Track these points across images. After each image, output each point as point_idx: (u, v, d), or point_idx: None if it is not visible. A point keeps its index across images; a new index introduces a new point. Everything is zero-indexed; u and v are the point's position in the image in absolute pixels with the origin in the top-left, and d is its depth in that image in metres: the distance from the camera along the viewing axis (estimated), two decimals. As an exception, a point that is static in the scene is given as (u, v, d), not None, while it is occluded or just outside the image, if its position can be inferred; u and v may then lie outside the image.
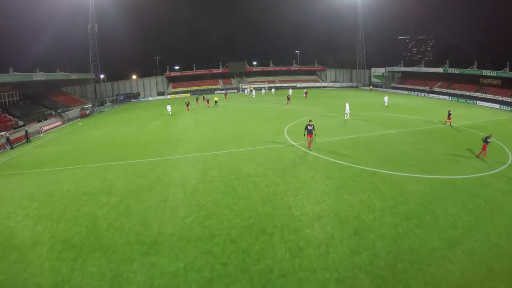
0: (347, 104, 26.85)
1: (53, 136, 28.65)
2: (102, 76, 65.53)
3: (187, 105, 38.25)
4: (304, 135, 17.01)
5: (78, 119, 41.27)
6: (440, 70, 56.60)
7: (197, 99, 47.95)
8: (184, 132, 24.31)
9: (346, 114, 26.70)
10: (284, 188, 12.01)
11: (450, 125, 23.65)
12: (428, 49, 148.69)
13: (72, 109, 45.74)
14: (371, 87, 65.27)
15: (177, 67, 70.15)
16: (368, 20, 71.17)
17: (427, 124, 24.86)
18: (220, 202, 11.11)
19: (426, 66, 66.15)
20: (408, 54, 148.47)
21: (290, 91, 51.93)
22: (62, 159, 18.83)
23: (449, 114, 24.00)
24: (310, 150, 16.96)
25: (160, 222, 10.15)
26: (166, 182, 13.60)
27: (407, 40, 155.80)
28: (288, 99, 40.59)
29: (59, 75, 48.07)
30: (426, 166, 14.51)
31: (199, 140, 20.92)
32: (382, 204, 10.78)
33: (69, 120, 40.94)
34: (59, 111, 42.98)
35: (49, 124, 35.12)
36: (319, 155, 15.95)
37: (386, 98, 35.41)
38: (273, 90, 60.10)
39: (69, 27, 63.10)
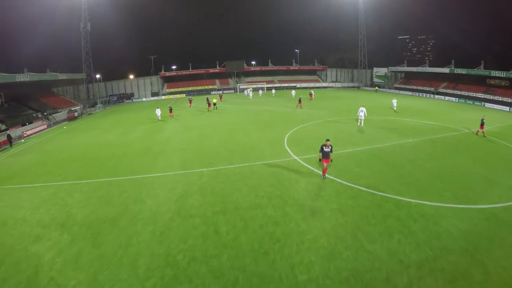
0: (362, 108, 23.14)
1: (33, 142, 25.56)
2: (98, 76, 62.78)
3: (170, 110, 32.07)
4: (319, 160, 12.50)
5: (65, 122, 38.10)
6: (446, 70, 53.50)
7: (190, 101, 42.69)
8: (170, 140, 21.02)
9: (360, 121, 23.02)
10: (284, 230, 8.83)
11: (484, 136, 20.26)
12: (428, 48, 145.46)
13: (60, 111, 42.60)
14: (376, 87, 61.75)
15: (174, 67, 66.95)
16: (370, 18, 67.94)
17: (444, 130, 21.76)
18: (196, 253, 7.94)
19: (426, 66, 63.15)
20: (408, 54, 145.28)
21: (293, 92, 48.11)
22: (30, 173, 15.85)
23: (483, 123, 20.42)
24: (324, 178, 12.59)
25: (113, 282, 7.11)
26: (134, 213, 10.48)
27: (407, 40, 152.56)
28: (300, 101, 34.74)
29: (46, 76, 44.78)
30: (458, 191, 11.42)
31: (184, 152, 17.66)
32: (417, 255, 7.69)
33: (56, 123, 37.75)
34: (45, 113, 39.83)
35: (33, 128, 31.95)
36: (328, 176, 12.81)
37: (394, 102, 32.04)
38: (273, 91, 55.88)
39: (64, 25, 59.82)
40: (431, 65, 61.25)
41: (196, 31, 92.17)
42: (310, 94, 44.51)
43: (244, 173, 13.57)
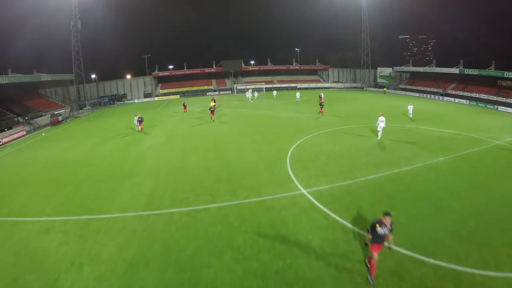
0: (382, 119, 18.28)
1: (5, 152, 21.72)
2: (93, 76, 58.74)
3: (140, 122, 24.19)
4: (365, 243, 6.90)
5: (48, 128, 34.12)
6: (455, 70, 49.43)
7: (185, 106, 34.31)
8: (145, 157, 16.78)
9: (378, 132, 18.51)
10: None
11: None
12: (429, 48, 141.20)
13: (45, 115, 38.61)
14: (384, 89, 56.12)
15: (171, 66, 62.73)
16: (373, 16, 63.68)
17: (472, 143, 17.76)
18: None
19: (420, 65, 59.27)
20: (409, 53, 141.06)
21: (298, 95, 42.69)
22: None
23: None
24: (372, 282, 6.56)
25: None
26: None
27: (407, 40, 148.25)
28: (322, 106, 28.01)
29: (27, 77, 40.66)
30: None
31: (157, 177, 13.50)
32: None
33: (37, 128, 33.81)
34: (26, 118, 35.82)
35: (11, 135, 27.98)
36: (344, 222, 8.81)
37: (410, 108, 26.39)
38: (274, 92, 49.49)
39: (56, 24, 55.56)
40: (436, 65, 57.38)
41: (192, 29, 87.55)
42: (320, 97, 37.02)
43: (229, 218, 9.41)
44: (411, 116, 25.91)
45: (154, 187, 12.27)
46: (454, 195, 10.89)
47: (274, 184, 11.90)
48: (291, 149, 16.66)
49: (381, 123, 18.04)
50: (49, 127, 34.32)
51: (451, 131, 21.25)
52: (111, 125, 29.81)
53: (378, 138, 18.53)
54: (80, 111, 46.41)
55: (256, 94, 47.12)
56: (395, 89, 56.64)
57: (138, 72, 62.29)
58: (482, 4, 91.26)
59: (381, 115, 18.51)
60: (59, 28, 55.53)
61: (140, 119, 24.32)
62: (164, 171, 14.15)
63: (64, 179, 14.24)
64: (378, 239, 6.43)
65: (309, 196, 10.60)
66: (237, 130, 22.80)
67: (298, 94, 42.90)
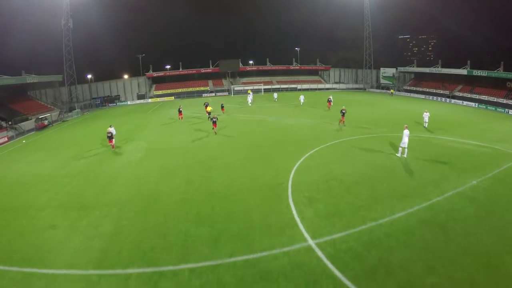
0: (407, 132, 14.86)
1: None
2: (89, 76, 55.73)
3: (110, 139, 18.97)
4: None
5: (32, 133, 31.16)
6: (462, 72, 46.45)
7: (180, 113, 29.13)
8: (115, 180, 13.59)
9: (402, 150, 15.12)
10: None
11: None
12: (430, 48, 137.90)
13: (31, 119, 35.61)
14: (392, 91, 52.15)
15: (168, 66, 59.59)
16: (374, 14, 60.49)
17: (502, 159, 14.74)
18: None
19: (421, 66, 56.24)
20: (409, 54, 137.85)
21: (302, 98, 37.64)
22: None
23: None
24: None
25: None
26: None
27: (408, 40, 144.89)
28: (343, 114, 23.22)
29: (10, 80, 37.43)
30: None
31: (121, 210, 10.42)
32: None
33: (22, 133, 30.78)
34: (10, 122, 32.82)
35: None
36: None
37: (426, 116, 22.68)
38: (275, 95, 43.52)
39: (46, 23, 52.36)
40: (424, 65, 54.32)
41: (189, 28, 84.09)
42: (329, 101, 32.47)
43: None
44: (426, 126, 22.51)
45: (115, 228, 9.25)
46: (503, 241, 8.00)
47: (271, 230, 8.76)
48: (294, 170, 13.51)
49: (406, 137, 14.73)
50: (33, 132, 31.35)
51: (472, 142, 18.35)
52: (94, 132, 26.78)
53: (398, 155, 15.28)
54: (70, 113, 43.32)
55: (250, 97, 41.04)
56: (399, 91, 53.62)
57: (134, 73, 59.21)
58: (484, 1, 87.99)
59: (406, 127, 15.16)
60: (51, 28, 52.38)
61: (110, 135, 18.61)
62: (133, 202, 11.10)
63: (21, 205, 11.36)
64: None
65: (320, 253, 7.51)
66: (231, 142, 19.51)
67: (302, 98, 37.88)
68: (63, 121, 39.19)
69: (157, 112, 38.07)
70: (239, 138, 20.51)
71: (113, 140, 19.05)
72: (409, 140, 15.01)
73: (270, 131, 22.35)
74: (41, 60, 51.69)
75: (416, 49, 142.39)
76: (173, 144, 19.75)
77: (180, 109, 29.65)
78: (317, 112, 31.37)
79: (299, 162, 14.46)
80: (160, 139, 21.63)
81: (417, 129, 21.89)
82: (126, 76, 58.15)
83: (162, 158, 16.57)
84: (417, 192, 11.06)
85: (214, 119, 21.67)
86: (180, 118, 29.04)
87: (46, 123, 34.78)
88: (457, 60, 53.42)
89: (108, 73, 58.09)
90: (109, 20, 61.42)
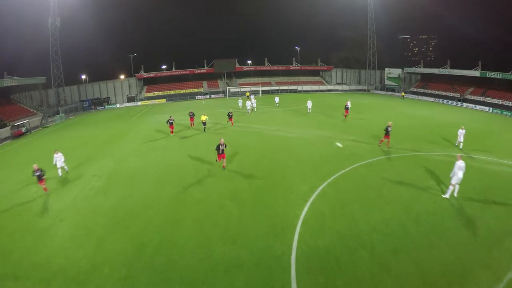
0: (461, 164, 10.31)
1: None
2: (84, 76, 51.43)
3: (39, 179, 12.14)
4: None
5: (8, 141, 26.94)
6: (475, 73, 42.25)
7: (171, 125, 21.98)
8: (53, 229, 9.51)
9: (453, 189, 10.59)
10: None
11: None
12: (430, 48, 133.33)
13: (9, 125, 31.27)
14: (403, 93, 47.23)
15: (164, 66, 55.22)
16: (379, 12, 56.09)
17: None
18: None
19: (425, 67, 51.88)
20: (409, 54, 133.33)
21: (310, 104, 30.89)
22: None
23: None
24: None
25: None
26: None
27: (408, 39, 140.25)
28: (388, 133, 16.55)
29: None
30: None
31: None
32: None
33: None
34: (-19, 130, 28.59)
35: None
36: None
37: (462, 134, 16.70)
38: (276, 99, 37.21)
39: (32, 23, 47.93)
40: (428, 65, 50.09)
41: (183, 26, 79.07)
42: (346, 109, 26.36)
43: None
44: (462, 147, 16.73)
45: None
46: None
47: None
48: (300, 223, 9.18)
49: (461, 173, 10.18)
50: (9, 141, 27.08)
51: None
52: (69, 141, 22.69)
53: (447, 196, 10.56)
54: (54, 118, 38.92)
55: (240, 102, 35.62)
56: (406, 93, 49.36)
57: (126, 74, 54.83)
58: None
59: (460, 158, 10.45)
60: (38, 27, 47.92)
61: (38, 173, 12.18)
62: (58, 279, 6.96)
63: None
64: None
65: None
66: (215, 169, 14.36)
67: (310, 103, 30.99)
68: (44, 127, 34.92)
69: (143, 118, 33.81)
70: (228, 162, 14.84)
71: (44, 181, 12.52)
72: (442, 161, 10.77)
73: (269, 150, 17.33)
74: (27, 61, 47.35)
75: (416, 49, 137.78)
76: (146, 164, 15.55)
77: (171, 120, 22.14)
78: (328, 121, 25.94)
79: (307, 206, 10.20)
80: (133, 156, 17.34)
81: (446, 145, 17.63)
82: (119, 77, 53.78)
83: (123, 190, 12.37)
84: (489, 269, 6.87)
85: (222, 148, 15.15)
86: (171, 130, 22.34)
87: (23, 131, 30.54)
88: (460, 60, 49.20)
89: (99, 74, 53.87)
90: (100, 18, 56.87)
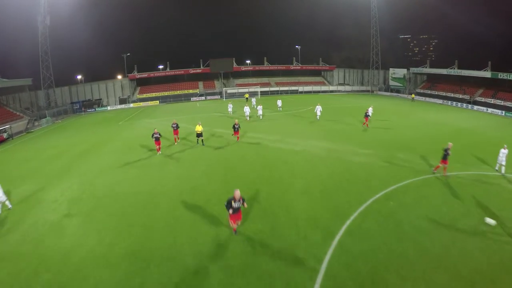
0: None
1: None
2: (79, 77, 48.42)
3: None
4: None
5: None
6: (486, 74, 39.41)
7: (156, 140, 16.91)
8: None
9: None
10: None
11: None
12: (431, 48, 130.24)
13: None
14: (413, 95, 43.26)
15: (161, 67, 52.13)
16: (382, 10, 52.94)
17: None
18: None
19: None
20: (410, 54, 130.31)
21: (319, 109, 26.53)
22: None
23: None
24: None
25: None
26: None
27: (408, 39, 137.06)
28: (446, 157, 12.22)
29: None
30: None
31: None
32: None
33: None
34: (-42, 136, 25.71)
35: None
36: None
37: (504, 155, 12.60)
38: (279, 102, 33.91)
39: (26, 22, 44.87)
40: (431, 65, 47.06)
41: (179, 24, 75.57)
42: (366, 116, 22.90)
43: None
44: (504, 171, 12.75)
45: None
46: None
47: None
48: None
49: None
50: None
51: None
52: (47, 150, 19.88)
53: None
54: (40, 122, 35.96)
55: (230, 107, 31.60)
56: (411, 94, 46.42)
57: (121, 74, 51.74)
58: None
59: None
60: (28, 26, 44.77)
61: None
62: None
63: None
64: None
65: None
66: (200, 203, 10.52)
67: (319, 109, 26.48)
68: (29, 132, 32.06)
69: (130, 123, 30.85)
70: (213, 196, 11.00)
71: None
72: (499, 200, 7.84)
73: (270, 174, 13.29)
74: (16, 62, 44.33)
75: (417, 49, 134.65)
76: (117, 187, 12.49)
77: (157, 135, 16.98)
78: (343, 130, 21.95)
79: (322, 270, 6.87)
80: (102, 178, 13.89)
81: (474, 160, 14.60)
82: (113, 78, 50.67)
83: (78, 228, 9.44)
84: None
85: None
86: (158, 149, 17.32)
87: (5, 136, 27.78)
88: (464, 60, 46.35)
89: (92, 75, 50.86)
90: (93, 17, 53.73)
